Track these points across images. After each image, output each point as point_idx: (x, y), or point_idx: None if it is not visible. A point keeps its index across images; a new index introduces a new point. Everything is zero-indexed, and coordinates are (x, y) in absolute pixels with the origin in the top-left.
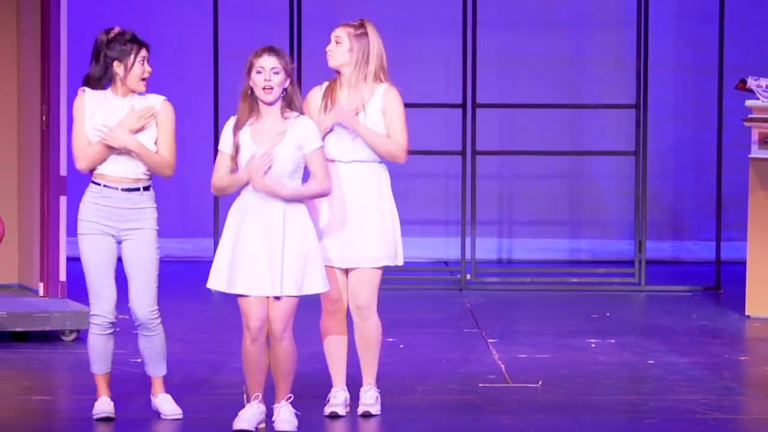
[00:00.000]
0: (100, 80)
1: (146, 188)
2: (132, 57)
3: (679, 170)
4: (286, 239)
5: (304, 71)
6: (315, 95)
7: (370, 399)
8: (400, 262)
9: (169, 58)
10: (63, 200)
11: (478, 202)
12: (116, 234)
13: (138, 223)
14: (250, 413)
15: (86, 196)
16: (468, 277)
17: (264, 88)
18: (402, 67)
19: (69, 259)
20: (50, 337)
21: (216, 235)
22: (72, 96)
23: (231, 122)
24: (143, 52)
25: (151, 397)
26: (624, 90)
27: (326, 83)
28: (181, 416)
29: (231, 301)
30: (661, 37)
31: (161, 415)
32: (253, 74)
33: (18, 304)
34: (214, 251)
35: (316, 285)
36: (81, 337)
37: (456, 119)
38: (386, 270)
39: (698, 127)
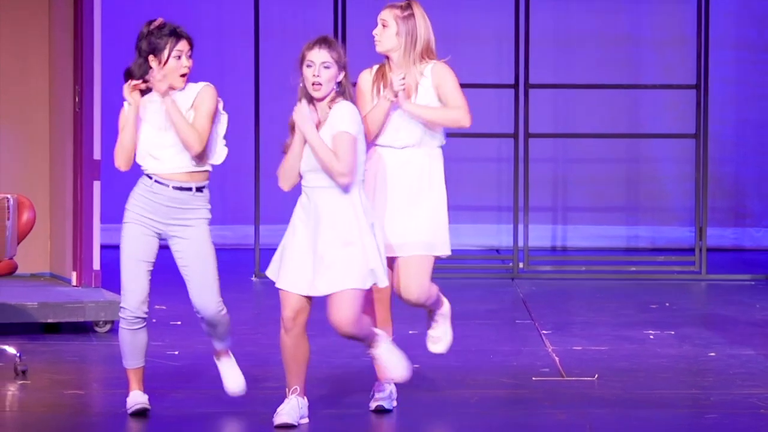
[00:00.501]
0: (140, 74)
1: (200, 189)
2: (166, 51)
3: (742, 154)
4: (328, 235)
5: (350, 52)
6: (365, 79)
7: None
8: (448, 252)
9: (209, 38)
10: (97, 185)
11: (531, 187)
12: (161, 230)
13: (187, 221)
14: (290, 407)
15: (137, 186)
16: (520, 265)
17: (313, 84)
18: (453, 45)
19: (103, 247)
20: (83, 329)
21: (257, 222)
22: (106, 77)
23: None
24: (180, 46)
25: (215, 359)
26: (684, 70)
27: (376, 66)
28: (242, 390)
29: (274, 291)
30: (722, 15)
31: (224, 387)
32: (304, 67)
33: (50, 294)
34: (255, 238)
35: (361, 280)
36: (115, 328)
37: (508, 100)
38: (435, 258)
39: (761, 108)
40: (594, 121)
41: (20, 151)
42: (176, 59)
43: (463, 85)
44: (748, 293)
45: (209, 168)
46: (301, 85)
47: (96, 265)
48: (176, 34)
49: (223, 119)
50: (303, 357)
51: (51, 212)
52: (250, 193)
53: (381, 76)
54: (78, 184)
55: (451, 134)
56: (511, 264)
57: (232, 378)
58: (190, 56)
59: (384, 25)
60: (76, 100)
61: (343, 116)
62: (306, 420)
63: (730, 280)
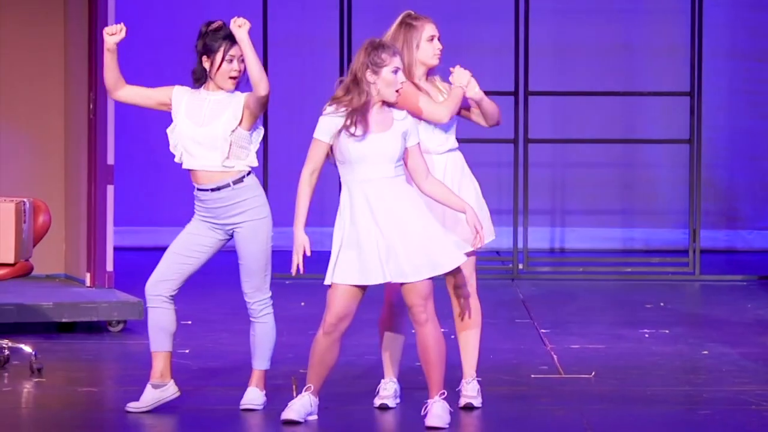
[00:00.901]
0: (199, 75)
1: (237, 181)
2: (220, 54)
3: (734, 159)
4: (416, 221)
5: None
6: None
7: (472, 391)
8: (493, 237)
9: None
10: (110, 189)
11: (530, 190)
12: (222, 228)
13: (239, 217)
14: (300, 404)
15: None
16: (520, 266)
17: (397, 90)
18: (454, 54)
19: (116, 249)
20: (97, 328)
21: None
22: None
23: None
24: (234, 51)
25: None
26: (678, 78)
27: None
28: (253, 407)
29: (288, 290)
30: (715, 25)
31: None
32: (387, 73)
33: (64, 294)
34: None
35: (445, 264)
36: (128, 327)
37: (508, 107)
38: None
39: (753, 115)
40: (591, 127)
41: (36, 156)
42: (228, 62)
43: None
44: (741, 293)
45: (243, 168)
46: (355, 80)
47: (109, 266)
48: (231, 38)
49: (261, 132)
50: (330, 361)
51: (66, 215)
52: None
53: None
54: (92, 188)
55: None
56: (510, 265)
57: (247, 399)
58: (242, 60)
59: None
60: (91, 107)
61: (414, 127)
62: (315, 417)
63: (723, 280)
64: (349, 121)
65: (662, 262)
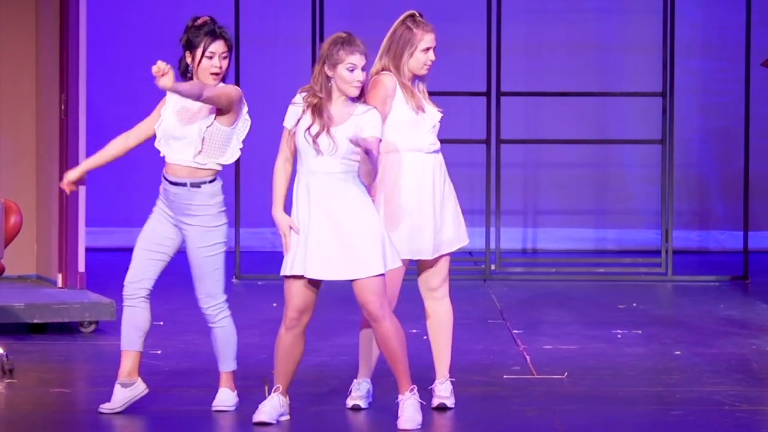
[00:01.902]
0: (182, 69)
1: (195, 185)
2: (200, 50)
3: (706, 159)
4: (348, 220)
5: None
6: (391, 80)
7: (445, 391)
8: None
9: None
10: (82, 190)
11: (503, 191)
12: (175, 223)
13: (189, 219)
14: (270, 405)
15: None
16: (492, 267)
17: (355, 87)
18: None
19: (88, 250)
20: (69, 329)
21: (237, 225)
22: (91, 84)
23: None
24: (215, 47)
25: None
26: (651, 78)
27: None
28: (225, 408)
29: (260, 291)
30: (687, 25)
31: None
32: (342, 69)
33: (36, 295)
34: (235, 241)
35: (363, 270)
36: (100, 328)
37: (481, 108)
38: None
39: (725, 115)
40: (563, 128)
41: (8, 156)
42: (208, 59)
43: (437, 93)
44: (713, 294)
45: (215, 167)
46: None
47: (81, 267)
48: (213, 34)
49: (246, 124)
50: (296, 357)
51: (37, 216)
52: (230, 197)
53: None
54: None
55: None
56: (483, 266)
57: (218, 399)
58: (225, 57)
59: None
60: (62, 108)
61: (377, 124)
62: (287, 417)
63: (696, 281)
64: (306, 115)
65: (635, 262)
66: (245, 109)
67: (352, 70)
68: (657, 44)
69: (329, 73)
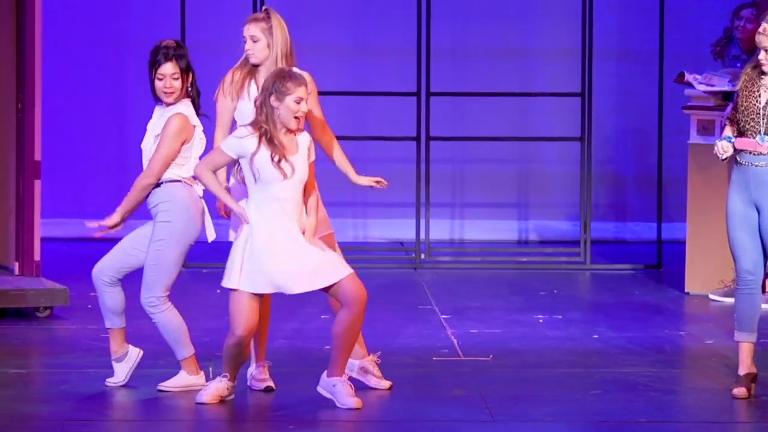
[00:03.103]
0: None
1: (155, 185)
2: (153, 71)
3: (622, 155)
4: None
5: None
6: (236, 76)
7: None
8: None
9: (134, 52)
10: (37, 184)
11: (432, 185)
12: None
13: (155, 215)
14: (215, 388)
15: None
16: (422, 256)
17: (296, 118)
18: (360, 57)
19: (43, 240)
20: (25, 314)
21: None
22: (47, 83)
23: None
24: (163, 70)
25: None
26: (570, 79)
27: (245, 67)
28: (166, 389)
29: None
30: (605, 30)
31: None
32: (290, 101)
33: None
34: None
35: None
36: (54, 313)
37: (411, 107)
38: (345, 250)
39: (640, 114)
40: (489, 126)
41: None
42: (159, 80)
43: (370, 93)
44: (628, 282)
45: (174, 177)
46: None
47: (37, 256)
48: (165, 57)
49: (202, 143)
50: (246, 358)
51: None
52: None
53: (250, 77)
54: (20, 182)
55: (359, 137)
56: (413, 255)
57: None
58: (176, 78)
59: (254, 40)
60: (19, 106)
61: (312, 145)
62: (231, 397)
63: (612, 269)
64: (262, 146)
65: (555, 252)
66: (198, 129)
67: (299, 102)
68: (576, 48)
69: (275, 105)
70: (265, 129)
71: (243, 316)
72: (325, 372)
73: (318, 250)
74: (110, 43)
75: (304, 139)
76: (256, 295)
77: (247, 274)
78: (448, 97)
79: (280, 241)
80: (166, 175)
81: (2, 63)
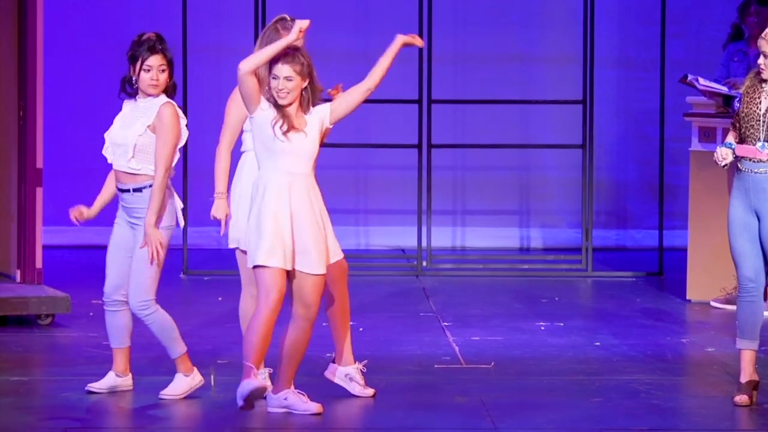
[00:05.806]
0: (128, 82)
1: (137, 189)
2: (139, 63)
3: (624, 162)
4: (307, 215)
5: None
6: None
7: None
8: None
9: None
10: (39, 191)
11: (434, 192)
12: (131, 225)
13: (137, 220)
14: (263, 383)
15: None
16: (424, 263)
17: (279, 93)
18: (361, 64)
19: (45, 247)
20: (27, 322)
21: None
22: (48, 91)
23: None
24: (151, 61)
25: None
26: (571, 86)
27: None
28: (168, 397)
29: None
30: (606, 37)
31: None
32: (271, 80)
33: None
34: (183, 239)
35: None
36: (56, 321)
37: (413, 114)
38: (347, 257)
39: (641, 121)
40: (490, 133)
41: None
42: (146, 72)
43: (373, 101)
44: (630, 289)
45: (150, 173)
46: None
47: (38, 263)
48: (151, 49)
49: (184, 135)
50: (270, 338)
51: None
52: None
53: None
54: (22, 190)
55: (361, 145)
56: (415, 262)
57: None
58: (163, 70)
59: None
60: (21, 113)
61: (327, 109)
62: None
63: (614, 277)
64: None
65: (557, 259)
66: (183, 122)
67: (275, 79)
68: (577, 55)
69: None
70: (277, 107)
71: (271, 286)
72: (270, 390)
73: (313, 236)
74: (113, 50)
75: (318, 113)
76: (285, 271)
77: (274, 250)
78: (450, 104)
79: (283, 216)
80: (146, 170)
81: (4, 70)
